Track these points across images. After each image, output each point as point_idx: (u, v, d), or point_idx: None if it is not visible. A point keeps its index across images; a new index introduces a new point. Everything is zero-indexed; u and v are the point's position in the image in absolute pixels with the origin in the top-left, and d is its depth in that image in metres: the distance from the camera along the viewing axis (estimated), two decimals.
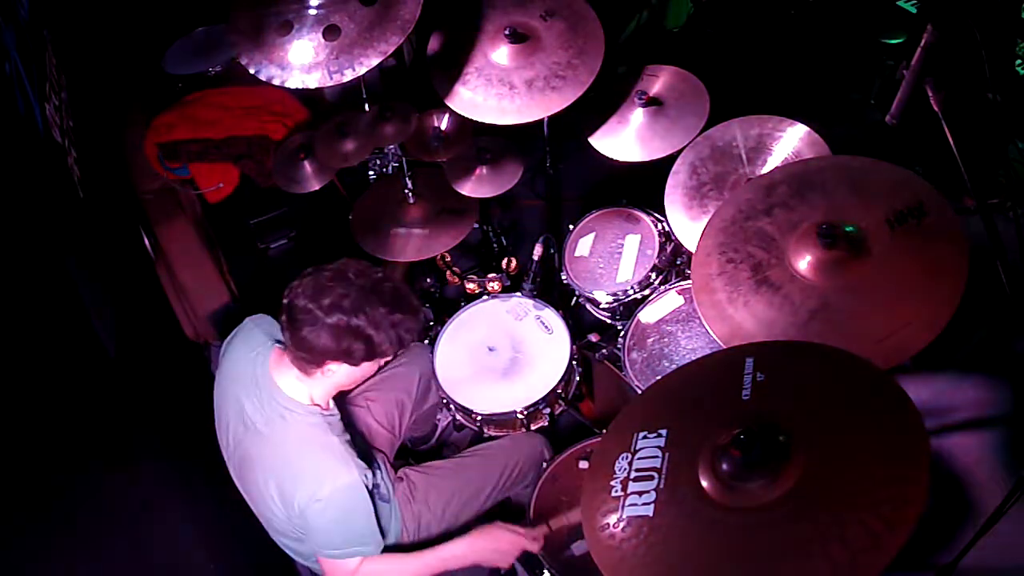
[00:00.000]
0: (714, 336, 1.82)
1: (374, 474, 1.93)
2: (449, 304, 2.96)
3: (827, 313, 1.70)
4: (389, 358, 1.88)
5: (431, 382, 2.41)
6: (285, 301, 1.78)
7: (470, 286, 2.77)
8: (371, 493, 1.88)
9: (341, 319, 1.72)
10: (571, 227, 2.72)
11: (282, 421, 1.83)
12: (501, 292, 2.67)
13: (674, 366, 2.32)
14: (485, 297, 2.61)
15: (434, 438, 2.65)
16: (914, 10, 3.24)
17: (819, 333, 1.68)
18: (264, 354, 1.91)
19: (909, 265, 1.68)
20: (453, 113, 2.43)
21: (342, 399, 2.17)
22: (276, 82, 2.17)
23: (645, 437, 1.47)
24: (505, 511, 2.31)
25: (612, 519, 1.38)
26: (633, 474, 1.42)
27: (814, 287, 1.73)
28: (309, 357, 1.78)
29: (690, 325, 2.40)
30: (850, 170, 1.86)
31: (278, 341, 1.94)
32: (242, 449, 1.90)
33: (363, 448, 2.07)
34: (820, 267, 1.74)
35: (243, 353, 1.95)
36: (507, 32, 2.33)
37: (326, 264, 1.82)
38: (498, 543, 2.01)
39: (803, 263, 1.75)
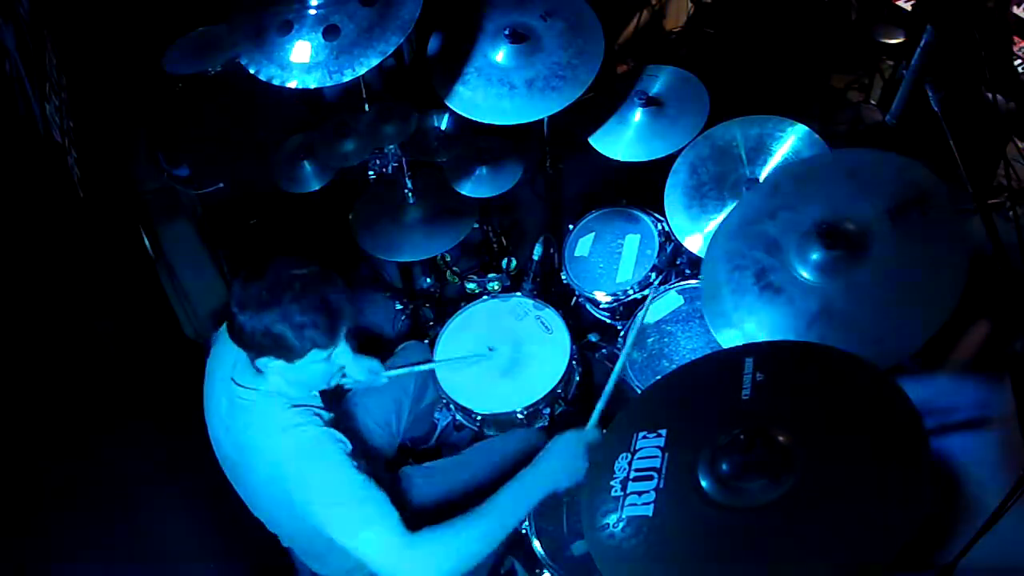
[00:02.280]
0: (714, 336, 1.83)
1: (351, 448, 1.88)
2: (449, 304, 2.96)
3: (829, 315, 1.70)
4: (327, 354, 1.79)
5: (428, 381, 2.41)
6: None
7: (470, 286, 2.77)
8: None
9: (248, 316, 1.72)
10: (571, 227, 2.72)
11: (248, 413, 1.82)
12: (501, 292, 2.67)
13: (674, 366, 2.32)
14: (485, 297, 2.61)
15: (433, 438, 2.65)
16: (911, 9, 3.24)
17: (820, 335, 1.68)
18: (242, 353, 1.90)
19: (910, 265, 1.68)
20: (453, 113, 2.43)
21: (337, 400, 2.16)
22: (276, 82, 2.17)
23: (645, 437, 1.47)
24: None
25: (612, 519, 1.38)
26: (633, 474, 1.42)
27: (816, 289, 1.73)
28: (244, 351, 1.79)
29: (690, 325, 2.40)
30: (853, 164, 1.85)
31: None
32: (228, 450, 1.90)
33: (361, 448, 2.07)
34: (821, 268, 1.74)
35: (225, 351, 1.94)
36: (507, 32, 2.33)
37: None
38: (572, 446, 1.85)
39: (804, 264, 1.75)
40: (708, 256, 1.95)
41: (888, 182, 1.76)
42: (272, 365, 1.77)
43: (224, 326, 2.02)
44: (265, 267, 1.75)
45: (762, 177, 2.24)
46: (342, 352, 1.83)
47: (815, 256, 1.74)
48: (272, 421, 1.81)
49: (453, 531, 1.75)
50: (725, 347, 1.80)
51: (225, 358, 1.90)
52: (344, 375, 1.96)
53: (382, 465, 2.18)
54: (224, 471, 1.98)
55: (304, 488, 1.75)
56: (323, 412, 1.88)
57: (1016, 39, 2.94)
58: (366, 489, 1.76)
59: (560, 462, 1.85)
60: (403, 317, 2.98)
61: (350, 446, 1.83)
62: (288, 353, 1.75)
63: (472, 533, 1.76)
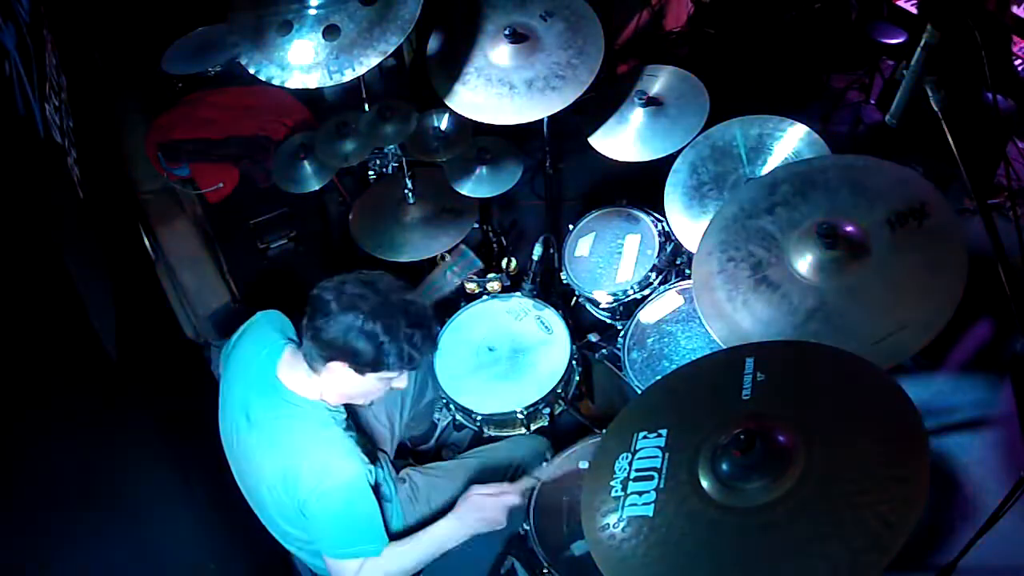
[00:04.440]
0: (712, 334, 1.82)
1: (375, 473, 1.93)
2: (449, 304, 2.96)
3: (825, 313, 1.70)
4: (395, 376, 1.86)
5: (428, 378, 2.41)
6: (313, 292, 1.80)
7: (470, 286, 2.77)
8: (374, 492, 1.88)
9: (356, 318, 1.73)
10: (571, 227, 2.72)
11: (287, 416, 1.84)
12: (501, 292, 2.67)
13: (674, 366, 2.32)
14: (485, 297, 2.61)
15: (434, 438, 2.65)
16: (914, 10, 3.24)
17: (816, 333, 1.68)
18: (275, 351, 1.91)
19: (909, 265, 1.68)
20: (453, 113, 2.43)
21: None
22: (276, 82, 2.18)
23: (645, 437, 1.47)
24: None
25: (612, 519, 1.38)
26: (633, 474, 1.42)
27: (813, 287, 1.73)
28: (317, 349, 1.79)
29: (690, 325, 2.40)
30: (853, 170, 1.86)
31: (290, 339, 1.96)
32: (245, 446, 1.90)
33: (367, 446, 2.07)
34: (820, 267, 1.74)
35: (253, 350, 1.95)
36: (507, 32, 2.33)
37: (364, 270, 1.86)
38: (482, 509, 1.99)
39: (803, 262, 1.75)
40: (702, 245, 1.95)
41: (888, 191, 1.76)
42: (338, 370, 1.79)
43: (249, 323, 2.04)
44: (373, 281, 1.79)
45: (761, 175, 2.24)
46: (402, 378, 1.88)
47: (814, 255, 1.74)
48: (312, 429, 1.84)
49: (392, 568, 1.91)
50: (725, 346, 1.80)
51: (266, 355, 1.90)
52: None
53: (388, 464, 2.18)
54: (231, 466, 1.98)
55: (314, 496, 1.79)
56: (354, 432, 1.92)
57: (1015, 39, 2.95)
58: (367, 521, 1.85)
59: (476, 513, 1.98)
60: None
61: (375, 475, 1.88)
62: (371, 365, 1.78)
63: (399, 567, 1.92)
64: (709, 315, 1.84)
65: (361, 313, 1.73)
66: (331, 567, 1.89)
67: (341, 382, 1.82)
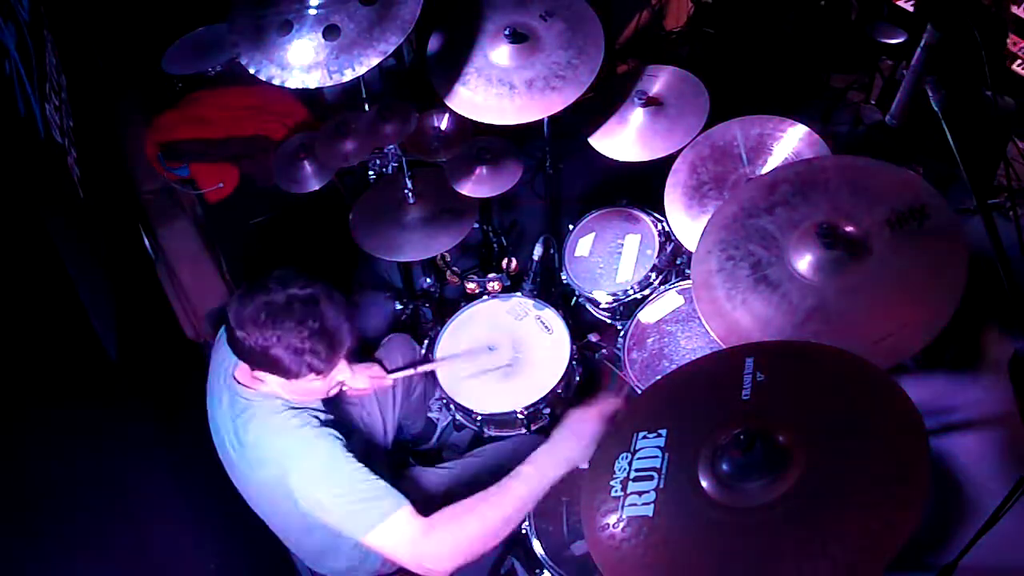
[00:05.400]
0: (711, 333, 1.82)
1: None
2: (449, 304, 2.96)
3: (825, 312, 1.70)
4: (326, 374, 1.78)
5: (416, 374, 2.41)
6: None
7: (470, 286, 2.77)
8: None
9: (247, 334, 1.70)
10: (571, 227, 2.72)
11: (246, 413, 1.82)
12: (501, 292, 2.67)
13: (674, 366, 2.32)
14: (485, 297, 2.61)
15: (434, 438, 2.65)
16: (913, 10, 3.24)
17: (816, 332, 1.68)
18: None
19: (909, 266, 1.68)
20: (453, 113, 2.43)
21: (335, 400, 2.16)
22: (276, 82, 2.18)
23: (645, 437, 1.47)
24: None
25: (612, 519, 1.38)
26: (633, 474, 1.42)
27: (813, 286, 1.74)
28: (245, 363, 1.79)
29: (690, 325, 2.40)
30: (853, 171, 1.86)
31: None
32: (228, 447, 1.90)
33: (357, 443, 2.06)
34: (819, 267, 1.74)
35: (226, 350, 1.95)
36: (507, 32, 2.33)
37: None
38: (595, 419, 1.74)
39: (803, 262, 1.75)
40: (701, 244, 1.95)
41: (888, 191, 1.76)
42: (270, 378, 1.78)
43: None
44: (266, 283, 1.72)
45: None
46: (340, 369, 1.82)
47: (814, 255, 1.74)
48: (271, 423, 1.81)
49: (470, 514, 1.70)
50: (724, 346, 1.80)
51: (227, 355, 1.90)
52: (344, 386, 1.96)
53: (382, 459, 2.18)
54: (224, 468, 1.98)
55: (311, 489, 1.74)
56: (320, 414, 1.88)
57: (1015, 38, 2.95)
58: (373, 483, 1.74)
59: (575, 437, 1.73)
60: (403, 317, 2.99)
61: (346, 442, 1.83)
62: (285, 373, 1.74)
63: (489, 514, 1.70)
64: (708, 314, 1.84)
65: (249, 328, 1.69)
66: (376, 544, 1.71)
67: (282, 387, 1.80)
